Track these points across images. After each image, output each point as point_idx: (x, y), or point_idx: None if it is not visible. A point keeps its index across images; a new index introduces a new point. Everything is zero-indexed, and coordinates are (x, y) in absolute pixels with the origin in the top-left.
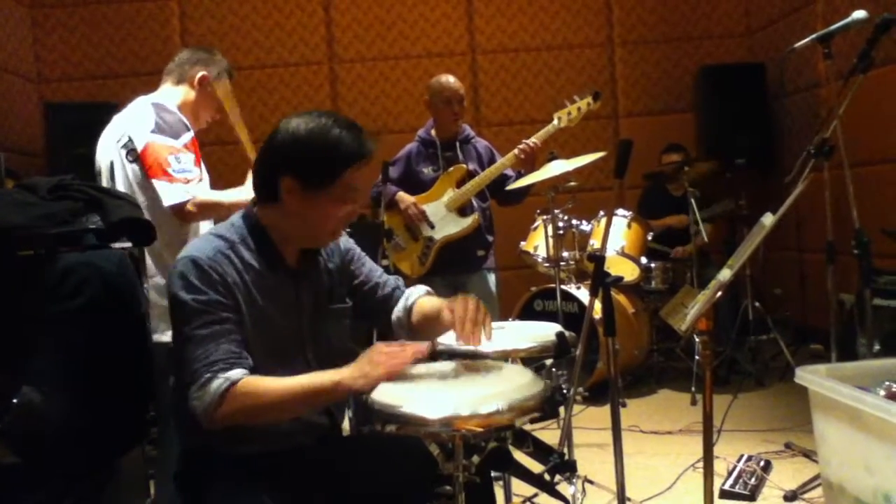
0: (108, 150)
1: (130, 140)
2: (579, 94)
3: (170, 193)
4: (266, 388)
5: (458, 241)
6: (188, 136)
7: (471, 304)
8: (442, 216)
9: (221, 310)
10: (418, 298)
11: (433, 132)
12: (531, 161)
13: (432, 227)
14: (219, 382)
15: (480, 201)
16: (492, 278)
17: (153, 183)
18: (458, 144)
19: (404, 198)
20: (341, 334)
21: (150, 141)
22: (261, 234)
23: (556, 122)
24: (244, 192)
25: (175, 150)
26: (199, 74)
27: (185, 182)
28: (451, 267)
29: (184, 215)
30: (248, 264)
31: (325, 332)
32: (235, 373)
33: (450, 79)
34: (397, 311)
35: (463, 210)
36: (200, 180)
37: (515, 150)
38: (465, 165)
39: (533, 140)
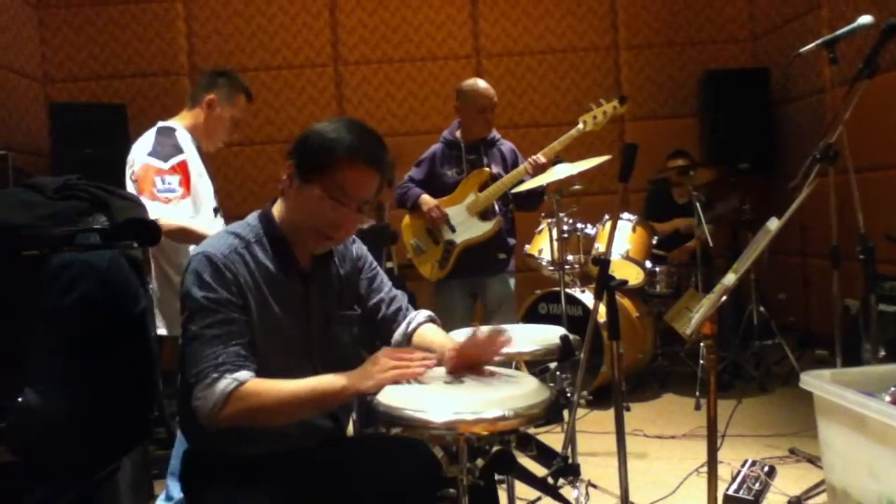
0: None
1: (134, 162)
2: (605, 97)
3: (153, 209)
4: (271, 390)
5: (478, 245)
6: (177, 159)
7: (481, 336)
8: (463, 219)
9: (231, 310)
10: (419, 326)
11: (458, 134)
12: (541, 171)
13: (453, 230)
14: (226, 383)
15: (503, 205)
16: (512, 282)
17: (143, 200)
18: (482, 147)
19: (427, 200)
20: (349, 339)
21: (144, 162)
22: (276, 234)
23: (581, 125)
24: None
25: (162, 172)
26: (207, 98)
27: (166, 202)
28: (471, 270)
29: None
30: (261, 264)
31: (332, 335)
32: (242, 374)
33: (481, 84)
34: (397, 336)
35: (485, 214)
36: (184, 197)
37: (526, 165)
38: (487, 169)
39: (541, 157)
